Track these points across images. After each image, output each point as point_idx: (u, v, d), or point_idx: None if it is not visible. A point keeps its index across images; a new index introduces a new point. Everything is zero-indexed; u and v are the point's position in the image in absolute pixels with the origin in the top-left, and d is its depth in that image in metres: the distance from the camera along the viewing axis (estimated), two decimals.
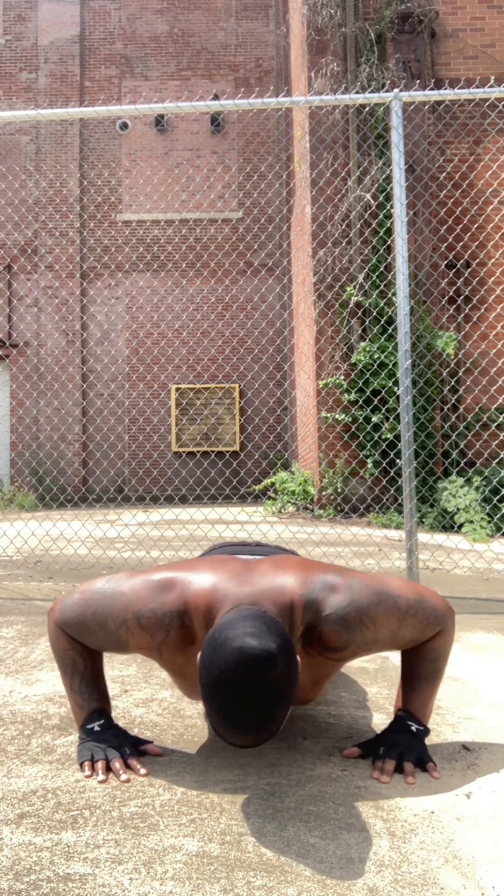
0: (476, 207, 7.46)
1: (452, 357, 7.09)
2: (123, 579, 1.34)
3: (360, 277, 7.39)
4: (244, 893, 0.93)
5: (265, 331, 12.98)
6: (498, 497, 6.09)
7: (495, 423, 7.20)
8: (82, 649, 1.37)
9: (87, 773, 1.29)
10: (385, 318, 7.25)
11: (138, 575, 1.34)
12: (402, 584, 1.33)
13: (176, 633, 1.25)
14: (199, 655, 1.14)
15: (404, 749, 1.31)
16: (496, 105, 7.45)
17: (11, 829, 1.11)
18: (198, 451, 12.80)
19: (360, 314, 7.41)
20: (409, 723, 1.35)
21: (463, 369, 7.36)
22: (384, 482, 7.35)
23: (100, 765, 1.30)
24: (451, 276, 7.44)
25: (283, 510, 8.41)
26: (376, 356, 7.13)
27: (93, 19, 13.39)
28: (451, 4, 7.60)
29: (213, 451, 12.77)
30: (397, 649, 1.35)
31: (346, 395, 7.39)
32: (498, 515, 5.90)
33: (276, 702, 1.03)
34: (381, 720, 1.59)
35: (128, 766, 1.31)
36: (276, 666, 1.02)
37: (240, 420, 12.80)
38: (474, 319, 7.41)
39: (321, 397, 7.52)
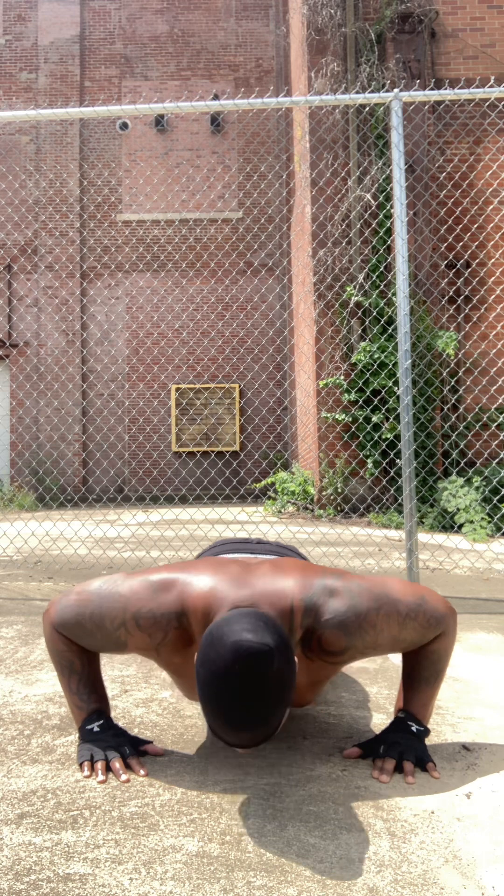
0: (476, 207, 7.46)
1: (452, 357, 7.09)
2: (121, 580, 1.33)
3: (360, 277, 7.38)
4: (244, 893, 0.93)
5: (265, 331, 12.98)
6: (498, 497, 6.09)
7: (495, 423, 7.19)
8: (79, 650, 1.36)
9: (87, 773, 1.29)
10: (385, 318, 7.24)
11: (136, 576, 1.33)
12: (402, 587, 1.32)
13: (174, 634, 1.25)
14: (196, 654, 1.14)
15: (404, 749, 1.31)
16: (496, 105, 7.45)
17: (11, 829, 1.11)
18: (198, 451, 12.80)
19: (360, 314, 7.41)
20: (410, 723, 1.35)
21: (463, 369, 7.36)
22: (384, 482, 7.35)
23: (99, 765, 1.29)
24: (451, 276, 7.44)
25: (283, 510, 8.41)
26: (376, 356, 7.13)
27: (93, 19, 13.39)
28: (451, 4, 7.60)
29: (213, 451, 12.77)
30: (398, 652, 1.35)
31: (346, 395, 7.38)
32: (498, 515, 5.90)
33: (274, 698, 1.02)
34: (381, 720, 1.59)
35: (127, 767, 1.31)
36: (273, 661, 1.01)
37: (240, 420, 12.80)
38: (474, 319, 7.41)
39: (321, 397, 7.52)
